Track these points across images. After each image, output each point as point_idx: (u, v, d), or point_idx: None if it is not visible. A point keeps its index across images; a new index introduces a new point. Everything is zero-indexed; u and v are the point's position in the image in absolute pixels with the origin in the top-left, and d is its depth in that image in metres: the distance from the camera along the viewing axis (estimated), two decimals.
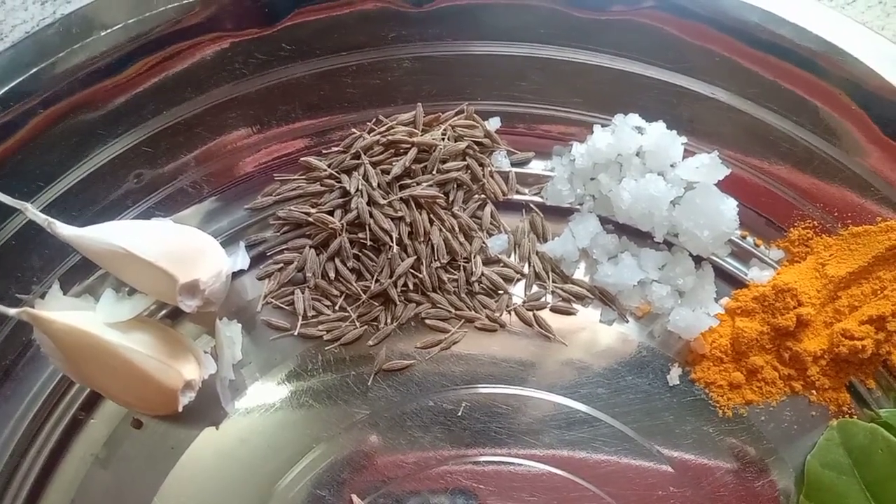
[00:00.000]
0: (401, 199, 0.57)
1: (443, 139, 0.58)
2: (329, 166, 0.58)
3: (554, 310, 0.57)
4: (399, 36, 0.59)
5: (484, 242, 0.58)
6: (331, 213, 0.57)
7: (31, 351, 0.54)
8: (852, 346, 0.52)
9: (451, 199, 0.58)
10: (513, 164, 0.60)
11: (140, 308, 0.52)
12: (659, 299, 0.56)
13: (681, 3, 0.57)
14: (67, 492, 0.52)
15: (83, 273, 0.55)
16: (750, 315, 0.55)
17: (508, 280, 0.57)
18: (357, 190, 0.56)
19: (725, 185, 0.56)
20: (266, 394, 0.55)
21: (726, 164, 0.56)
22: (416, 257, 0.56)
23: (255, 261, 0.57)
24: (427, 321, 0.56)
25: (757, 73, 0.57)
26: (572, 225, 0.58)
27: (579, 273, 0.58)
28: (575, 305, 0.57)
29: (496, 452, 0.53)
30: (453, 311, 0.56)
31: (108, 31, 0.55)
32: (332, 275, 0.56)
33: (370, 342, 0.56)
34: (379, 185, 0.57)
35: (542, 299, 0.57)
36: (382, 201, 0.56)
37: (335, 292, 0.57)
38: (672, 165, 0.57)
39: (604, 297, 0.57)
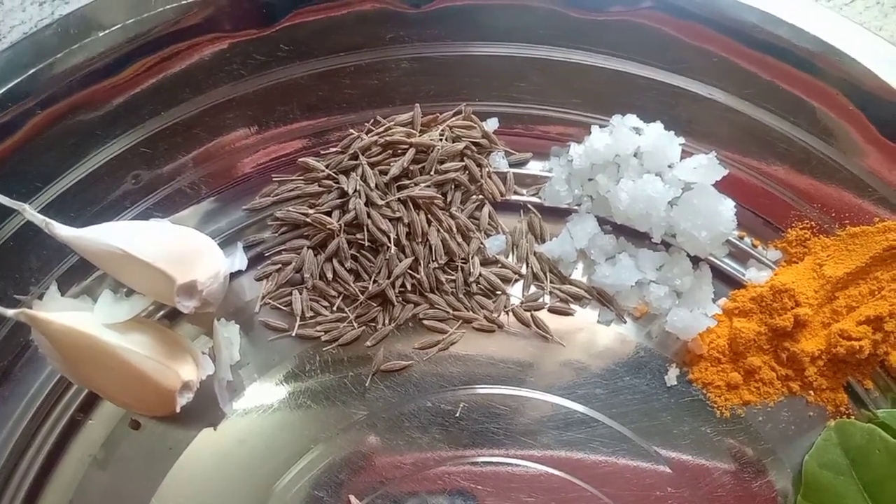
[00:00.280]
0: (399, 199, 0.57)
1: (441, 140, 0.58)
2: (327, 167, 0.58)
3: (552, 310, 0.57)
4: (397, 37, 0.59)
5: (482, 243, 0.58)
6: (329, 213, 0.57)
7: (28, 352, 0.54)
8: (850, 346, 0.52)
9: (448, 199, 0.58)
10: (511, 165, 0.60)
11: (138, 309, 0.52)
12: (657, 300, 0.56)
13: (679, 4, 0.57)
14: (65, 493, 0.52)
15: (81, 274, 0.55)
16: (747, 316, 0.55)
17: (506, 281, 0.57)
18: (355, 191, 0.56)
19: (723, 186, 0.56)
20: (264, 394, 0.55)
21: (724, 165, 0.56)
22: (413, 258, 0.56)
23: (253, 261, 0.57)
24: (425, 322, 0.56)
25: (755, 74, 0.57)
26: (570, 225, 0.58)
27: (577, 274, 0.58)
28: (573, 306, 0.57)
29: (494, 453, 0.53)
30: (451, 311, 0.56)
31: (107, 31, 0.55)
32: (329, 275, 0.57)
33: (368, 343, 0.56)
34: (377, 185, 0.57)
35: (540, 300, 0.57)
36: (380, 202, 0.56)
37: (333, 293, 0.57)
38: (670, 166, 0.57)
39: (601, 298, 0.57)
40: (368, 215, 0.56)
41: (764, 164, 0.58)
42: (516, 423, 0.54)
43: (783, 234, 0.58)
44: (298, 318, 0.56)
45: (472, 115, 0.60)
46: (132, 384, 0.50)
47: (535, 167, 0.61)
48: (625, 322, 0.57)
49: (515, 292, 0.58)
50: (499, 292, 0.57)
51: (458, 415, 0.54)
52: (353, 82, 0.60)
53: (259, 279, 0.57)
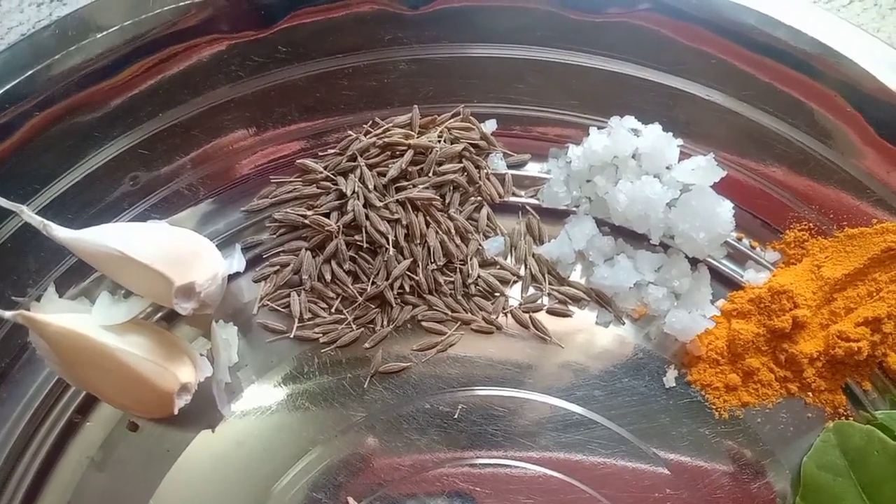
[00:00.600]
0: (397, 201, 0.57)
1: (439, 141, 0.58)
2: (325, 168, 0.58)
3: (550, 312, 0.57)
4: (395, 38, 0.59)
5: (480, 245, 0.58)
6: (327, 215, 0.57)
7: (26, 354, 0.54)
8: (848, 347, 0.52)
9: (447, 201, 0.58)
10: (509, 167, 0.60)
11: (136, 311, 0.52)
12: (655, 301, 0.56)
13: (676, 6, 0.57)
14: (63, 494, 0.52)
15: (79, 276, 0.55)
16: (746, 317, 0.55)
17: (505, 282, 0.57)
18: (353, 192, 0.56)
19: (721, 188, 0.56)
20: (262, 396, 0.55)
21: (722, 167, 0.56)
22: (412, 259, 0.56)
23: (252, 263, 0.57)
24: (423, 323, 0.56)
25: (753, 76, 0.58)
26: (568, 227, 0.58)
27: (575, 275, 0.58)
28: (571, 307, 0.57)
29: (493, 455, 0.53)
30: (450, 313, 0.56)
31: (105, 33, 0.55)
32: (328, 277, 0.56)
33: (366, 344, 0.56)
34: (375, 187, 0.57)
35: (539, 301, 0.57)
36: (378, 203, 0.56)
37: (331, 295, 0.57)
38: (668, 168, 0.57)
39: (600, 300, 0.57)
40: (367, 217, 0.56)
41: (762, 165, 0.58)
42: (515, 425, 0.54)
43: (781, 235, 0.58)
44: (297, 320, 0.56)
45: (471, 117, 0.60)
46: (130, 386, 0.50)
47: (533, 169, 0.61)
48: (623, 323, 0.57)
49: (514, 294, 0.58)
50: (497, 294, 0.57)
51: (456, 416, 0.54)
52: (351, 84, 0.60)
53: (257, 281, 0.57)
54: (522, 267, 0.58)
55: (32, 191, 0.55)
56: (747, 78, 0.58)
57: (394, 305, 0.56)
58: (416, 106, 0.59)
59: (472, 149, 0.59)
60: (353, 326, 0.56)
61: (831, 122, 0.57)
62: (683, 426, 0.54)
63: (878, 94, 0.55)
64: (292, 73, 0.59)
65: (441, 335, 0.56)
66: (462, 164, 0.58)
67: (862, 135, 0.56)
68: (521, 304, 0.57)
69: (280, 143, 0.60)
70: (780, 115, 0.58)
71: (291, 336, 0.56)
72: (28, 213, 0.49)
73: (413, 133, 0.59)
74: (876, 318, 0.53)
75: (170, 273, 0.49)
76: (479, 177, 0.59)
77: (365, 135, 0.59)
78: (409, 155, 0.57)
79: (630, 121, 0.58)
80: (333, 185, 0.58)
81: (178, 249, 0.51)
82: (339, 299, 0.56)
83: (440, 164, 0.58)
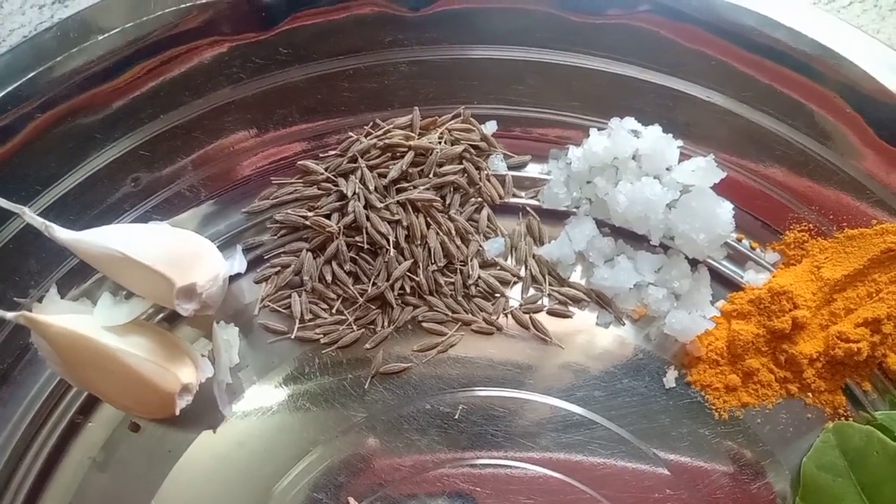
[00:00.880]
0: (397, 202, 0.57)
1: (439, 143, 0.58)
2: (326, 170, 0.58)
3: (550, 313, 0.57)
4: (396, 40, 0.59)
5: (480, 246, 0.58)
6: (328, 216, 0.57)
7: (28, 355, 0.54)
8: (848, 348, 0.53)
9: (447, 202, 0.58)
10: (509, 168, 0.60)
11: (137, 312, 0.52)
12: (655, 302, 0.56)
13: (676, 7, 0.57)
14: (65, 495, 0.52)
15: (80, 277, 0.55)
16: (746, 318, 0.55)
17: (505, 283, 0.58)
18: (354, 193, 0.57)
19: (721, 189, 0.56)
20: (263, 397, 0.55)
21: (722, 168, 0.56)
22: (412, 261, 0.56)
23: (253, 264, 0.58)
24: (424, 324, 0.56)
25: (752, 77, 0.58)
26: (569, 228, 0.58)
27: (576, 276, 0.58)
28: (571, 308, 0.57)
29: (493, 455, 0.53)
30: (450, 314, 0.56)
31: (106, 35, 0.55)
32: (329, 278, 0.57)
33: (367, 345, 0.56)
34: (376, 188, 0.57)
35: (539, 302, 0.57)
36: (379, 205, 0.56)
37: (332, 296, 0.57)
38: (668, 169, 0.57)
39: (600, 300, 0.57)
40: (367, 218, 0.56)
41: (762, 166, 0.58)
42: (515, 426, 0.54)
43: (781, 236, 0.58)
44: (298, 321, 0.56)
45: (471, 118, 0.60)
46: (132, 387, 0.50)
47: (533, 170, 0.61)
48: (623, 324, 0.57)
49: (514, 295, 0.58)
50: (498, 295, 0.57)
51: (457, 417, 0.54)
52: (351, 85, 0.60)
53: (258, 282, 0.58)
54: (523, 268, 0.58)
55: (34, 192, 0.55)
56: (747, 79, 0.58)
57: (394, 306, 0.56)
58: (416, 107, 0.59)
59: (472, 150, 0.59)
60: (354, 327, 0.56)
61: (831, 124, 0.57)
62: (683, 427, 0.54)
63: (877, 96, 0.55)
64: (293, 74, 0.59)
65: (441, 336, 0.56)
66: (462, 166, 0.58)
67: (862, 136, 0.56)
68: (521, 305, 0.57)
69: (281, 145, 0.60)
70: (779, 117, 0.58)
71: (292, 337, 0.56)
72: (30, 215, 0.49)
73: (414, 134, 0.59)
74: (876, 319, 0.53)
75: (171, 274, 0.49)
76: (480, 178, 0.59)
77: (366, 136, 0.59)
78: (409, 156, 0.57)
79: (630, 122, 0.58)
80: (334, 186, 0.58)
81: (179, 251, 0.51)
82: (339, 300, 0.57)
83: (441, 165, 0.58)
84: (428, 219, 0.57)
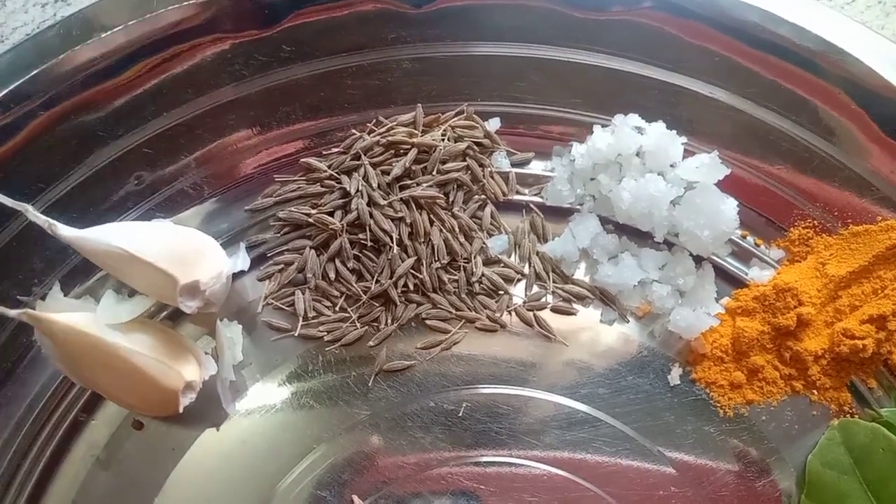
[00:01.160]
0: (401, 199, 0.57)
1: (443, 140, 0.58)
2: (329, 167, 0.58)
3: (554, 310, 0.57)
4: (398, 37, 0.59)
5: (484, 243, 0.58)
6: (331, 213, 0.57)
7: (32, 352, 0.54)
8: (853, 345, 0.52)
9: (451, 199, 0.58)
10: (513, 165, 0.60)
11: (141, 309, 0.52)
12: (659, 299, 0.56)
13: (680, 3, 0.57)
14: (68, 493, 0.52)
15: (84, 274, 0.55)
16: (750, 315, 0.55)
17: (509, 280, 0.57)
18: (357, 191, 0.56)
19: (725, 185, 0.56)
20: (267, 395, 0.55)
21: (726, 164, 0.56)
22: (416, 258, 0.56)
23: (256, 262, 0.57)
24: (427, 322, 0.56)
25: (756, 73, 0.58)
26: (572, 225, 0.58)
27: (580, 273, 0.58)
28: (575, 306, 0.57)
29: (497, 453, 0.53)
30: (454, 311, 0.56)
31: (109, 33, 0.55)
32: (332, 275, 0.57)
33: (371, 343, 0.56)
34: (379, 185, 0.57)
35: (543, 299, 0.57)
36: (383, 202, 0.56)
37: (336, 293, 0.57)
38: (672, 165, 0.57)
39: (604, 298, 0.57)
40: (371, 215, 0.56)
41: (766, 163, 0.58)
42: (519, 423, 0.54)
43: (786, 233, 0.58)
44: (301, 319, 0.56)
45: (474, 115, 0.60)
46: (135, 384, 0.50)
47: (537, 167, 0.61)
48: (628, 321, 0.57)
49: (518, 292, 0.58)
50: (501, 292, 0.57)
51: (460, 415, 0.54)
52: (354, 83, 0.60)
53: (262, 279, 0.58)
54: (526, 265, 0.58)
55: (37, 190, 0.55)
56: (751, 75, 0.58)
57: (398, 304, 0.56)
58: (419, 104, 0.59)
59: (475, 147, 0.59)
60: (358, 325, 0.56)
61: (835, 120, 0.57)
62: (688, 424, 0.54)
63: (882, 91, 0.55)
64: (296, 72, 0.59)
65: (445, 333, 0.56)
66: (466, 163, 0.58)
67: (866, 132, 0.56)
68: (525, 303, 0.57)
69: (284, 142, 0.60)
70: (784, 113, 0.58)
71: (296, 334, 0.56)
72: (33, 213, 0.49)
73: (417, 132, 0.59)
74: (881, 316, 0.53)
75: (174, 272, 0.49)
76: (483, 175, 0.59)
77: (369, 133, 0.59)
78: (412, 153, 0.57)
79: (634, 119, 0.58)
80: (337, 183, 0.58)
81: (182, 248, 0.51)
82: (343, 298, 0.57)
83: (444, 162, 0.58)
84: (431, 216, 0.57)
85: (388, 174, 0.57)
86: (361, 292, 0.56)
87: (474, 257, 0.57)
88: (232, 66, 0.58)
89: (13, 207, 0.49)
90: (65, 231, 0.49)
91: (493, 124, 0.60)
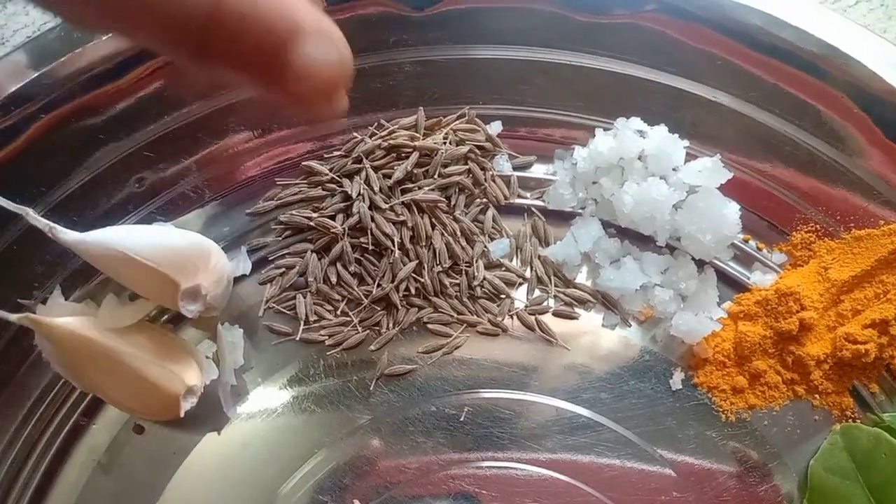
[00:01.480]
0: (402, 203, 0.56)
1: (444, 143, 0.58)
2: (330, 171, 0.58)
3: (556, 314, 0.57)
4: (400, 40, 0.59)
5: (486, 246, 0.58)
6: (332, 217, 0.57)
7: (32, 356, 0.53)
8: (855, 350, 0.52)
9: (452, 203, 0.58)
10: (514, 168, 0.60)
11: (142, 313, 0.52)
12: (661, 303, 0.56)
13: (682, 7, 0.57)
14: (69, 497, 0.52)
15: (85, 278, 0.55)
16: (753, 319, 0.55)
17: (510, 284, 0.57)
18: (359, 194, 0.56)
19: (728, 189, 0.56)
20: (268, 399, 0.55)
21: (728, 168, 0.56)
22: (417, 262, 0.56)
23: (257, 265, 0.57)
24: (429, 326, 0.56)
25: (759, 77, 0.57)
26: (574, 229, 0.58)
27: (581, 277, 0.58)
28: (577, 310, 0.57)
29: (498, 457, 0.53)
30: (455, 315, 0.56)
31: (110, 35, 0.55)
32: (333, 279, 0.56)
33: (372, 347, 0.56)
34: (380, 189, 0.57)
35: (545, 303, 0.57)
36: (384, 206, 0.56)
37: (337, 297, 0.56)
38: (674, 169, 0.57)
39: (606, 302, 0.57)
40: (372, 219, 0.56)
41: (769, 166, 0.58)
42: (521, 427, 0.54)
43: (788, 237, 0.58)
44: (302, 322, 0.56)
45: (476, 119, 0.60)
46: (136, 388, 0.50)
47: (538, 170, 0.60)
48: (629, 326, 0.57)
49: (520, 296, 0.57)
50: (503, 296, 0.57)
51: (462, 419, 0.54)
52: (356, 86, 0.58)
53: (263, 283, 0.57)
54: (528, 269, 0.58)
55: (38, 193, 0.55)
56: (753, 79, 0.57)
57: (399, 307, 0.56)
58: (421, 108, 0.59)
59: (477, 150, 0.59)
60: (359, 329, 0.56)
61: (838, 124, 0.56)
62: (690, 428, 0.54)
63: (885, 95, 0.55)
64: None
65: (447, 337, 0.56)
66: (467, 166, 0.58)
67: (869, 136, 0.56)
68: (526, 307, 0.57)
69: (285, 146, 0.60)
70: (786, 117, 0.58)
71: (297, 338, 0.56)
72: (34, 216, 0.49)
73: (418, 135, 0.58)
74: (883, 321, 0.52)
75: (175, 275, 0.49)
76: (485, 178, 0.58)
77: (370, 137, 0.59)
78: (414, 157, 0.57)
79: (636, 122, 0.58)
80: (339, 187, 0.58)
81: (183, 252, 0.51)
82: (344, 301, 0.56)
83: (445, 165, 0.58)
84: (433, 220, 0.57)
85: (390, 178, 0.57)
86: (363, 296, 0.56)
87: (476, 261, 0.57)
88: None
89: (14, 211, 0.49)
90: (65, 235, 0.49)
91: (495, 128, 0.60)
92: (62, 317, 0.49)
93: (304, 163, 0.59)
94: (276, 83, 0.35)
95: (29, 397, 0.53)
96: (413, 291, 0.56)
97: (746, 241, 0.58)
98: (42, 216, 0.50)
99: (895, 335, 0.53)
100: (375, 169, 0.57)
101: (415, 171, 0.57)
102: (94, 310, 0.52)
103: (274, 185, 0.59)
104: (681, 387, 0.55)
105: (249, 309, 0.57)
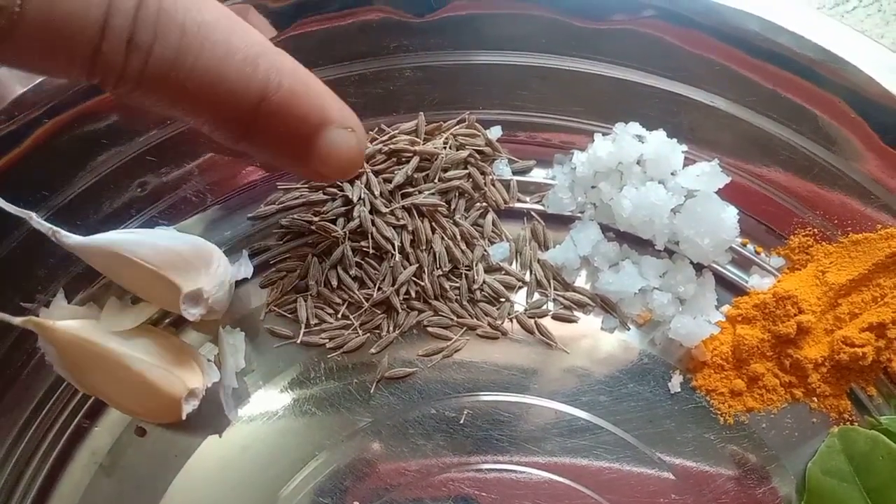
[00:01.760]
0: (403, 207, 0.57)
1: (445, 148, 0.58)
2: None
3: (555, 317, 0.57)
4: (401, 46, 0.59)
5: (485, 250, 0.58)
6: (333, 221, 0.57)
7: (35, 359, 0.54)
8: (853, 353, 0.53)
9: (452, 207, 0.58)
10: (514, 173, 0.60)
11: (144, 317, 0.52)
12: (660, 307, 0.56)
13: (680, 13, 0.57)
14: (71, 499, 0.52)
15: (87, 282, 0.56)
16: (751, 322, 0.55)
17: (510, 288, 0.58)
18: (359, 198, 0.57)
19: (726, 193, 0.56)
20: (269, 402, 0.55)
21: (726, 173, 0.56)
22: (418, 265, 0.56)
23: (258, 269, 0.58)
24: (429, 329, 0.56)
25: (756, 82, 0.58)
26: (573, 233, 0.58)
27: (580, 281, 0.58)
28: (576, 313, 0.57)
29: (498, 460, 0.53)
30: (455, 318, 0.57)
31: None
32: (334, 283, 0.57)
33: (372, 350, 0.56)
34: (381, 193, 0.57)
35: (544, 307, 0.57)
36: (384, 210, 0.57)
37: (338, 300, 0.57)
38: (673, 174, 0.57)
39: (605, 305, 0.57)
40: (373, 223, 0.56)
41: (766, 171, 0.58)
42: (520, 430, 0.54)
43: (786, 241, 0.58)
44: (303, 326, 0.56)
45: (476, 124, 0.60)
46: (138, 391, 0.50)
47: (538, 175, 0.61)
48: (628, 329, 0.57)
49: (519, 299, 0.58)
50: (502, 299, 0.57)
51: (462, 422, 0.54)
52: (357, 91, 0.60)
53: (264, 286, 0.58)
54: (528, 272, 0.58)
55: (41, 197, 0.55)
56: (751, 84, 0.58)
57: (400, 311, 0.56)
58: (421, 113, 0.60)
59: (477, 155, 0.59)
60: (360, 332, 0.56)
61: (835, 128, 0.57)
62: (688, 431, 0.54)
63: (882, 100, 0.55)
64: None
65: (447, 340, 0.56)
66: (467, 171, 0.59)
67: (866, 140, 0.56)
68: (526, 310, 0.57)
69: None
70: (784, 121, 0.58)
71: (298, 341, 0.56)
72: (37, 220, 0.49)
73: (419, 140, 0.59)
74: (881, 324, 0.53)
75: (178, 279, 0.49)
76: (485, 183, 0.59)
77: (371, 141, 0.59)
78: (414, 161, 0.58)
79: (635, 127, 0.58)
80: (340, 191, 0.58)
81: (185, 255, 0.51)
82: (345, 305, 0.57)
83: (446, 170, 0.58)
84: (433, 224, 0.57)
85: (391, 182, 0.57)
86: (363, 300, 0.56)
87: (476, 265, 0.57)
88: None
89: (17, 215, 0.49)
90: (68, 238, 0.50)
91: (495, 132, 0.60)
92: (65, 320, 0.50)
93: None
94: (304, 163, 0.39)
95: (32, 400, 0.54)
96: (413, 295, 0.56)
97: (744, 245, 0.58)
98: (45, 220, 0.50)
99: (892, 338, 0.53)
100: (376, 173, 0.58)
101: (415, 175, 0.58)
102: (96, 313, 0.52)
103: (275, 190, 0.59)
104: (679, 390, 0.55)
105: (251, 312, 0.57)
